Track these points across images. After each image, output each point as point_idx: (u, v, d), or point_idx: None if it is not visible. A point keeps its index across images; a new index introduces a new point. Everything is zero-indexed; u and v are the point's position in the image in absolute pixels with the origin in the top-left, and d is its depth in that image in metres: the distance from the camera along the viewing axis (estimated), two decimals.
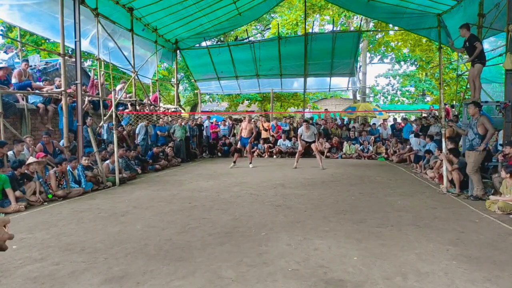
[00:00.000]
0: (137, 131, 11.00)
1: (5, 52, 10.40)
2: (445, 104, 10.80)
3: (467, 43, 7.24)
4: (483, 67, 7.17)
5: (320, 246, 3.85)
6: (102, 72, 11.15)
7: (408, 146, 11.50)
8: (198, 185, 7.74)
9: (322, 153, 13.40)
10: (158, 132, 12.10)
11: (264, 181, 8.17)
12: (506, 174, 5.51)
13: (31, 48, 14.30)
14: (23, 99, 8.37)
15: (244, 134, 10.88)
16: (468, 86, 8.37)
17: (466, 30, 7.20)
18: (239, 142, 11.14)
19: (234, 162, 10.76)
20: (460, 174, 6.74)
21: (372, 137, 13.83)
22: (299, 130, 10.63)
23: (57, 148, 7.89)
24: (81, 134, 8.52)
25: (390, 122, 17.62)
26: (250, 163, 10.72)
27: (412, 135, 11.40)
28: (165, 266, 3.36)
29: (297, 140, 13.92)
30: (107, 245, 3.92)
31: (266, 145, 14.13)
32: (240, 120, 15.58)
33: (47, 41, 15.51)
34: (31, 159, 6.39)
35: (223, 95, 22.44)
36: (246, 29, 19.48)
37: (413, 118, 16.46)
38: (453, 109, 11.05)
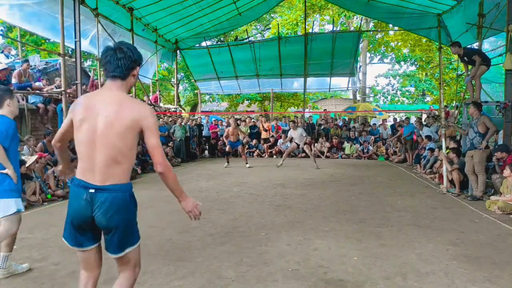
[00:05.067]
0: None
1: (2, 52, 10.38)
2: (446, 106, 10.79)
3: (465, 57, 7.27)
4: (487, 69, 7.18)
5: (320, 246, 3.85)
6: (102, 72, 11.14)
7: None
8: (198, 185, 7.74)
9: (322, 153, 13.43)
10: None
11: (264, 181, 8.17)
12: (510, 172, 5.46)
13: (31, 48, 14.29)
14: (23, 99, 8.36)
15: (232, 139, 10.95)
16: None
17: (458, 48, 7.23)
18: (228, 146, 11.11)
19: (228, 162, 10.79)
20: (460, 174, 6.73)
21: (372, 137, 13.83)
22: (289, 133, 10.86)
23: None
24: None
25: (390, 122, 17.61)
26: (246, 163, 10.72)
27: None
28: (165, 266, 3.36)
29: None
30: None
31: (266, 145, 14.13)
32: (243, 120, 15.53)
33: (47, 41, 15.49)
34: (31, 160, 6.38)
35: (223, 95, 22.42)
36: (246, 29, 19.45)
37: (413, 118, 16.46)
38: (455, 111, 10.99)
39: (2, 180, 2.96)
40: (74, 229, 2.02)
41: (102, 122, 1.87)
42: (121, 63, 1.94)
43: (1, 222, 2.98)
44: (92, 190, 1.89)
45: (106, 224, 1.94)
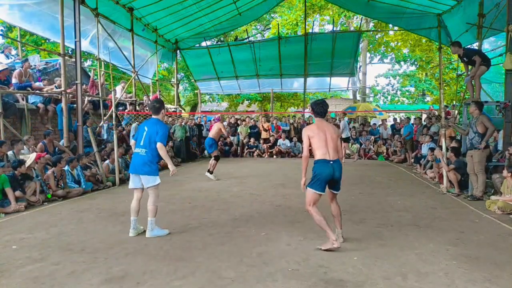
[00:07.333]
0: (132, 133, 10.78)
1: (2, 52, 10.37)
2: (446, 106, 10.77)
3: (465, 58, 7.26)
4: (487, 70, 7.18)
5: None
6: (102, 72, 11.13)
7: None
8: (198, 185, 7.74)
9: None
10: None
11: (264, 181, 8.17)
12: (508, 173, 5.49)
13: (31, 48, 14.29)
14: (23, 99, 8.35)
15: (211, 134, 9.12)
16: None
17: (458, 48, 7.21)
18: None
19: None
20: (456, 174, 6.74)
21: (372, 137, 13.83)
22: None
23: (57, 148, 7.88)
24: (81, 134, 8.51)
25: (390, 122, 17.60)
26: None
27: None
28: (165, 266, 3.36)
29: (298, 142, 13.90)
30: (107, 245, 3.92)
31: (266, 145, 14.14)
32: (244, 120, 15.47)
33: (47, 41, 15.50)
34: (31, 159, 6.37)
35: (223, 95, 22.42)
36: (246, 29, 19.45)
37: (413, 118, 16.44)
38: (455, 111, 10.98)
39: (154, 163, 4.38)
40: (324, 182, 3.84)
41: (329, 134, 3.88)
42: (325, 110, 4.03)
43: (152, 190, 4.30)
44: (331, 162, 3.82)
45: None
